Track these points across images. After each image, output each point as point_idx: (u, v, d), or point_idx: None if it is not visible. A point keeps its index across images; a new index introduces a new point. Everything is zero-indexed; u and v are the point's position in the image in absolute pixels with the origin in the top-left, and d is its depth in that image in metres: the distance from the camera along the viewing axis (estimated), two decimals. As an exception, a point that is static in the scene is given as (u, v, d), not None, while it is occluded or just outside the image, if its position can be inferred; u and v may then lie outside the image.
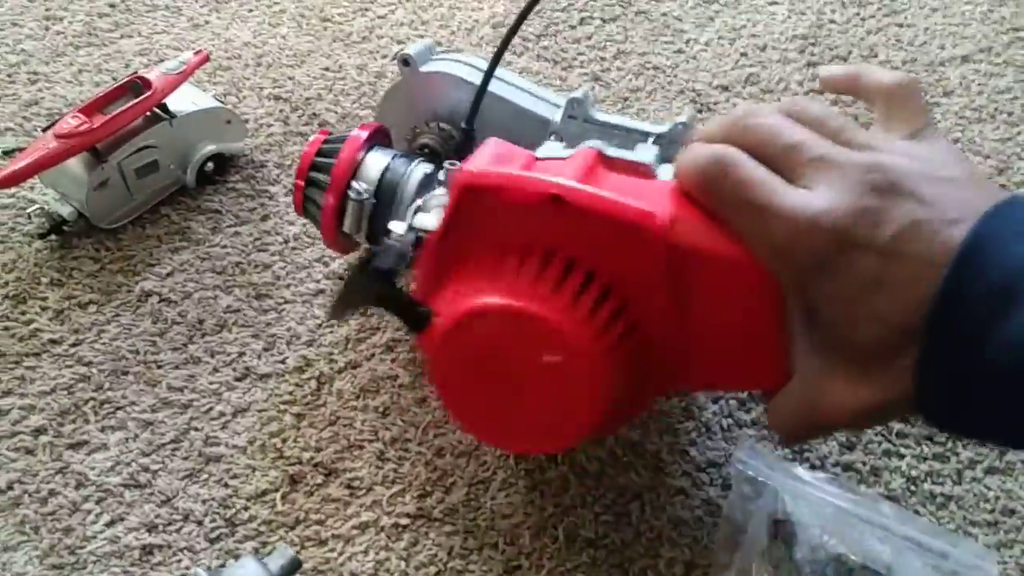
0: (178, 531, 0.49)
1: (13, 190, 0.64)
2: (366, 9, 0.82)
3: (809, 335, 0.36)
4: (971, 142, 0.75)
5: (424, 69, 0.57)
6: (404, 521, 0.50)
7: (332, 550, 0.49)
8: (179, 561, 0.48)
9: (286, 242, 0.63)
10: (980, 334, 0.31)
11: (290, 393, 0.55)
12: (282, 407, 0.55)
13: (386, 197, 0.53)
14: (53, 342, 0.57)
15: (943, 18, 0.87)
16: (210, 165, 0.66)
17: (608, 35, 0.83)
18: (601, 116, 0.54)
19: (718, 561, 0.48)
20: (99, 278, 0.61)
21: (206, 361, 0.57)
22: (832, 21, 0.86)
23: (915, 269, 0.32)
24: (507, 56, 0.70)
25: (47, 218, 0.61)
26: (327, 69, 0.76)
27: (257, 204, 0.66)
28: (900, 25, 0.86)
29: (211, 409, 0.54)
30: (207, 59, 0.66)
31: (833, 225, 0.33)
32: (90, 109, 0.59)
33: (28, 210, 0.62)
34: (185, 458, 0.52)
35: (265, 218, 0.65)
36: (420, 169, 0.53)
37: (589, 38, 0.82)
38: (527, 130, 0.54)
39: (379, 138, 0.56)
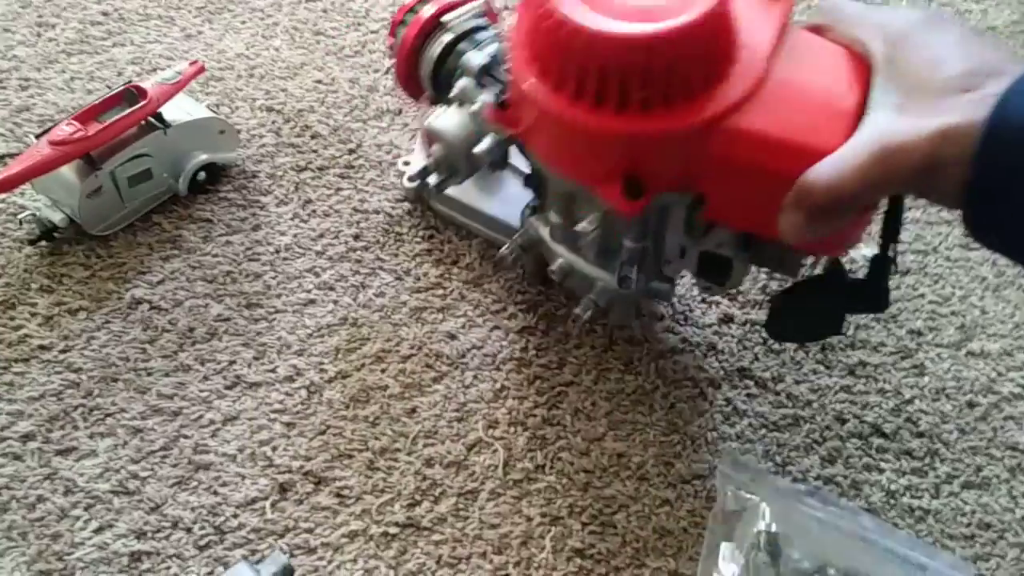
0: (167, 538, 0.49)
1: (4, 196, 0.64)
2: (359, 24, 0.83)
3: (888, 90, 0.39)
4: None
5: None
6: (393, 530, 0.51)
7: (321, 558, 0.49)
8: (167, 568, 0.48)
9: (277, 252, 0.64)
10: None
11: (280, 402, 0.56)
12: (272, 416, 0.55)
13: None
14: (43, 348, 0.57)
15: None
16: (202, 174, 0.66)
17: None
18: None
19: (702, 572, 0.49)
20: (90, 285, 0.61)
21: (196, 369, 0.57)
22: None
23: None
24: None
25: (38, 224, 0.61)
26: (319, 82, 0.77)
27: (248, 214, 0.66)
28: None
29: (201, 417, 0.55)
30: (202, 70, 0.67)
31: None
32: (85, 117, 0.60)
33: (19, 216, 0.63)
34: (174, 465, 0.52)
35: (256, 228, 0.65)
36: None
37: None
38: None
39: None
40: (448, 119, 0.54)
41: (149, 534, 0.50)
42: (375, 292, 0.62)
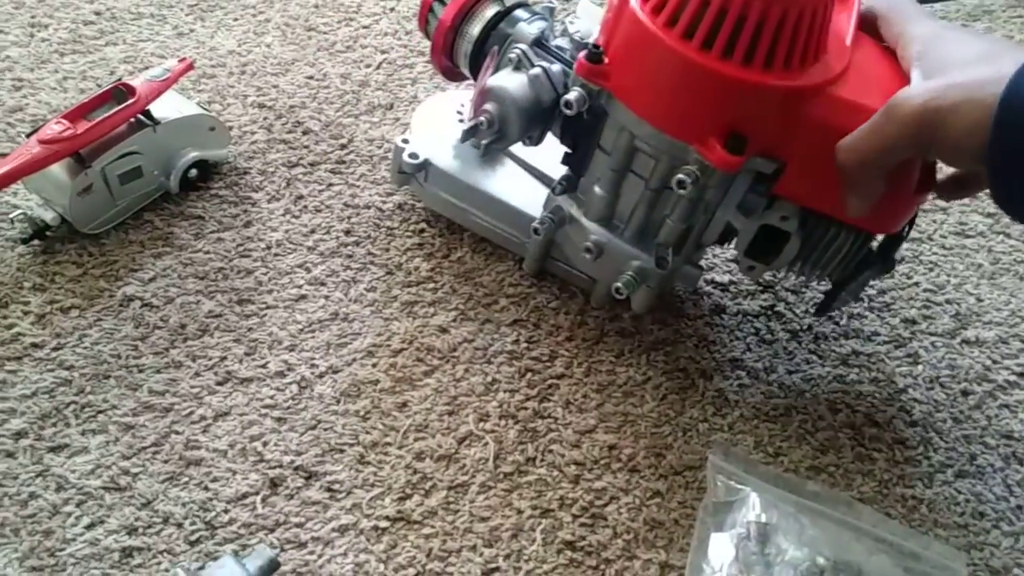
0: (158, 534, 0.50)
1: (-4, 195, 0.65)
2: (350, 19, 0.83)
3: (917, 76, 0.44)
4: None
5: None
6: (384, 524, 0.51)
7: (312, 552, 0.49)
8: (159, 564, 0.48)
9: (268, 248, 0.64)
10: None
11: (271, 397, 0.56)
12: (263, 411, 0.55)
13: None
14: (35, 346, 0.57)
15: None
16: (193, 171, 0.66)
17: None
18: None
19: (693, 563, 0.49)
20: (81, 283, 0.61)
21: (187, 365, 0.57)
22: None
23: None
24: None
25: (30, 223, 0.61)
26: (311, 78, 0.77)
27: (240, 210, 0.66)
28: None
29: (192, 413, 0.55)
30: (191, 67, 0.67)
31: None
32: (74, 115, 0.60)
33: (11, 215, 0.63)
34: (166, 461, 0.52)
35: (248, 224, 0.65)
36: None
37: None
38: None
39: None
40: (508, 79, 0.56)
41: (140, 530, 0.50)
42: (366, 287, 0.62)
